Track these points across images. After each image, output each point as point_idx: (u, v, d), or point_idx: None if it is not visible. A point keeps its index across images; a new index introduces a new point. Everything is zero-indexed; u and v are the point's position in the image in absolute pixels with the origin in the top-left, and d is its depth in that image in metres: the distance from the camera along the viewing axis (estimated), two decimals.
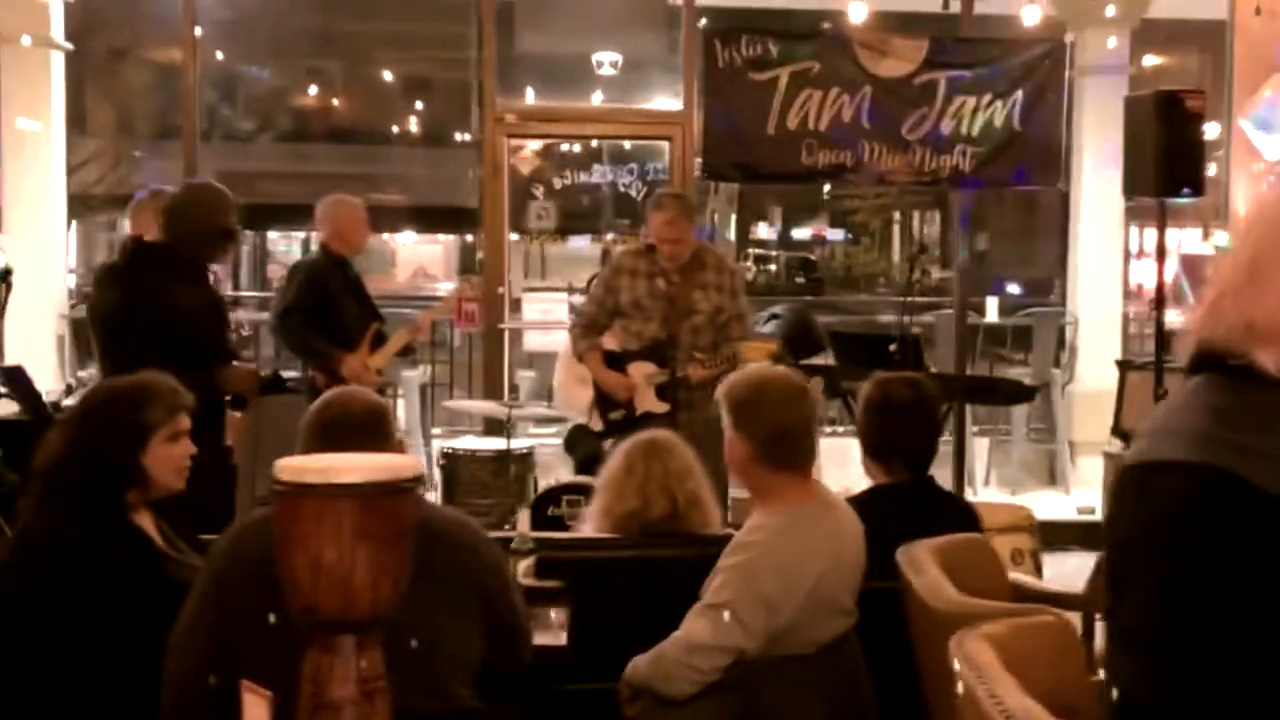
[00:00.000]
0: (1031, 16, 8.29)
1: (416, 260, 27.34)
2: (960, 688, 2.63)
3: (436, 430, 9.96)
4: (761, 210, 47.27)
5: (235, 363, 5.93)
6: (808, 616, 3.36)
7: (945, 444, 8.70)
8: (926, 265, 21.54)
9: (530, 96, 10.47)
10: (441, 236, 27.14)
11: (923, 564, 3.41)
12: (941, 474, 8.70)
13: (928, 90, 8.00)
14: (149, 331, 5.34)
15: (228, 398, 5.71)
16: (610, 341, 6.51)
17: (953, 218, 19.05)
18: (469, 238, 24.94)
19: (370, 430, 3.22)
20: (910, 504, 4.11)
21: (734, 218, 48.76)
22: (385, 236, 27.52)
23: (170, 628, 3.21)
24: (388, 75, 20.81)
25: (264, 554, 2.83)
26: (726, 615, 3.30)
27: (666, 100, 9.19)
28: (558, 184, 9.79)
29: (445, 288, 20.66)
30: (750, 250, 44.12)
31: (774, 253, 42.75)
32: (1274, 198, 1.94)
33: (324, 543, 2.40)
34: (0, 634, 3.37)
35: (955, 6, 8.67)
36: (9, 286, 6.15)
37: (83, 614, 3.30)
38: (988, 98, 8.01)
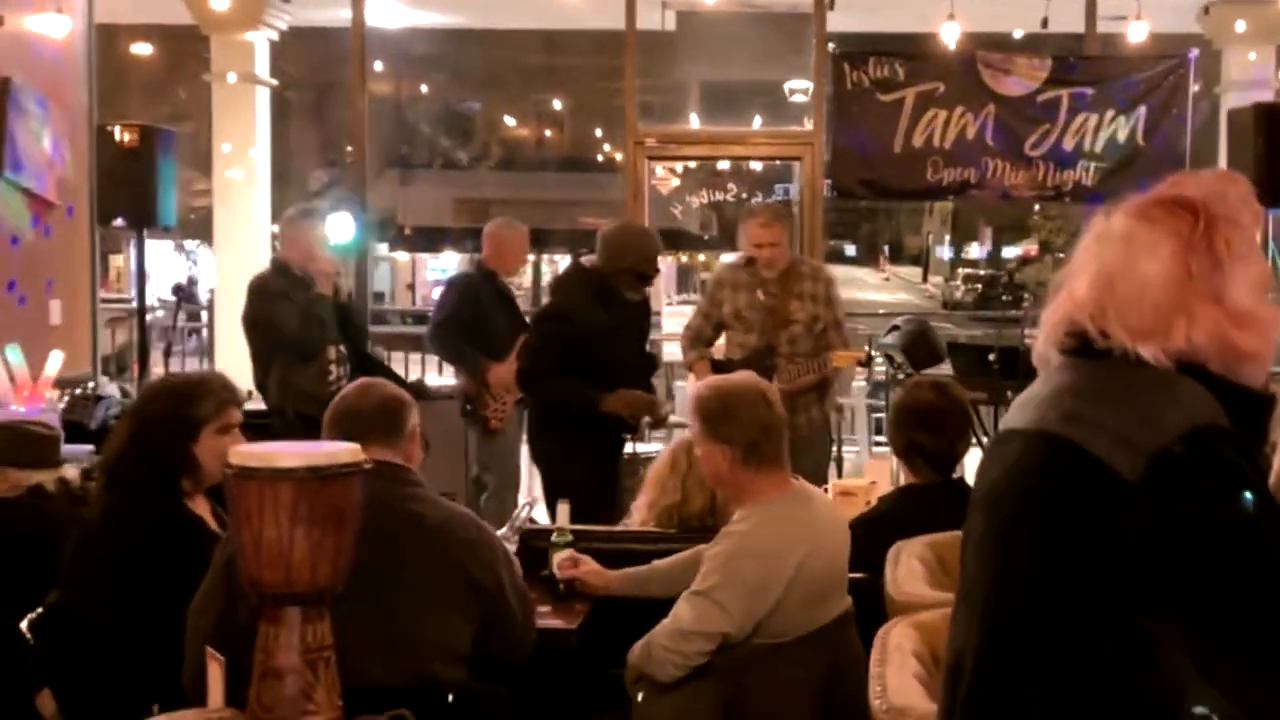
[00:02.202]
0: (1138, 33, 8.03)
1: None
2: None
3: None
4: (973, 231, 46.65)
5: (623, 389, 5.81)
6: (792, 603, 3.32)
7: None
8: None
9: (694, 121, 10.55)
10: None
11: (903, 557, 3.36)
12: None
13: (1050, 107, 7.84)
14: (567, 343, 5.64)
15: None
16: (717, 352, 6.52)
17: None
18: (684, 258, 25.12)
19: (381, 422, 3.31)
20: (936, 504, 4.01)
21: (948, 239, 48.16)
22: None
23: None
24: (587, 105, 21.14)
25: None
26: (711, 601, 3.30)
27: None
28: (695, 202, 9.83)
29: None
30: (961, 270, 43.59)
31: (982, 271, 42.16)
32: (1118, 222, 1.96)
33: (265, 522, 2.50)
34: (67, 615, 3.56)
35: (1063, 26, 8.42)
36: (180, 302, 6.43)
37: (142, 594, 3.45)
38: (1110, 114, 7.81)
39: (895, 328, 7.69)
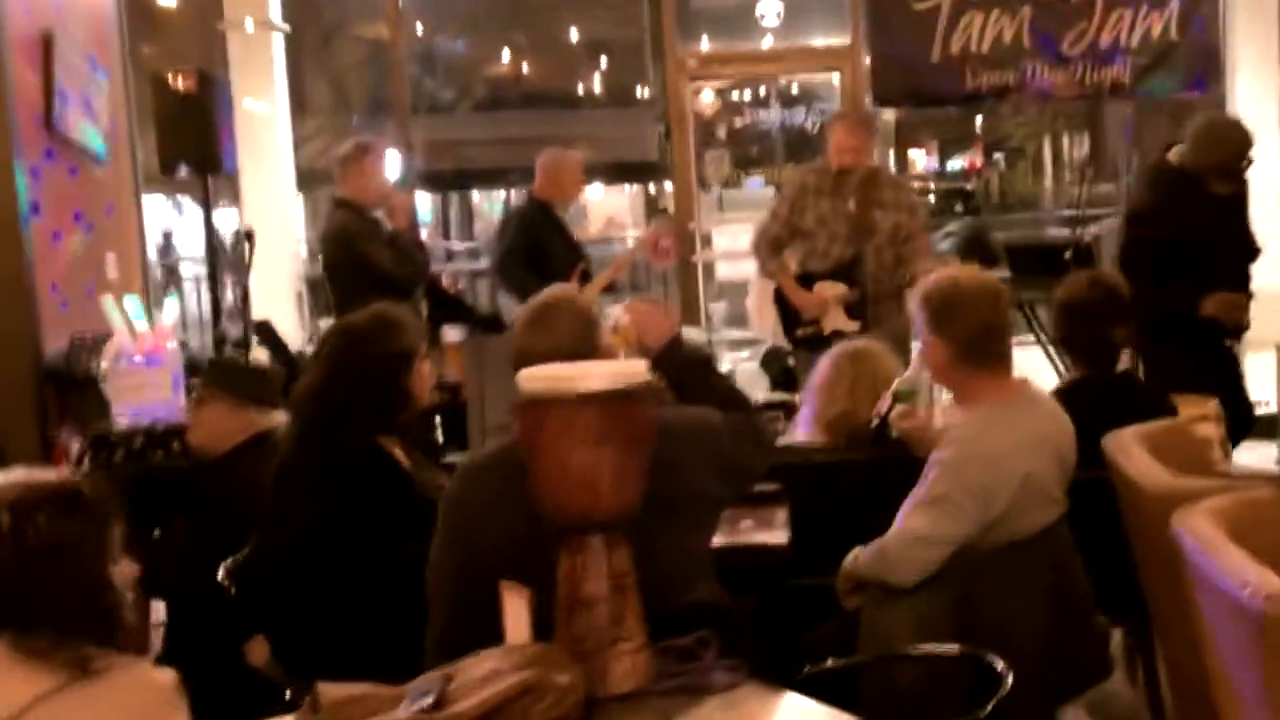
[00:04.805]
0: None
1: (606, 212, 27.41)
2: (1188, 562, 2.47)
3: None
4: (917, 145, 46.45)
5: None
6: (1021, 505, 3.19)
7: None
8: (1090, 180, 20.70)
9: (704, 45, 10.28)
10: (627, 188, 27.08)
11: (1131, 450, 3.22)
12: None
13: (1085, 6, 7.68)
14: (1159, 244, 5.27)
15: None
16: (791, 262, 6.28)
17: (1105, 137, 18.48)
18: (652, 188, 24.78)
19: (582, 341, 3.01)
20: (1100, 397, 3.90)
21: (892, 153, 48.08)
22: None
23: (422, 540, 3.19)
24: (570, 40, 20.65)
25: (494, 492, 2.76)
26: (945, 507, 3.16)
27: (830, 38, 8.92)
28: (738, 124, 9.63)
29: (633, 234, 20.60)
30: (912, 184, 43.42)
31: (931, 185, 41.97)
32: None
33: (571, 447, 2.33)
34: (270, 559, 3.39)
35: None
36: (252, 246, 6.16)
37: (345, 536, 3.29)
38: (1144, 9, 7.65)
39: (950, 233, 7.56)
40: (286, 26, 10.20)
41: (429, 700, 2.13)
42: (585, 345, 2.84)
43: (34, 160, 6.52)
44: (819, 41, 9.28)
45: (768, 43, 10.43)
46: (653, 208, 25.64)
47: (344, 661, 3.23)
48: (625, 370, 2.40)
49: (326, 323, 9.97)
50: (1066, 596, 3.29)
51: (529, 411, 2.36)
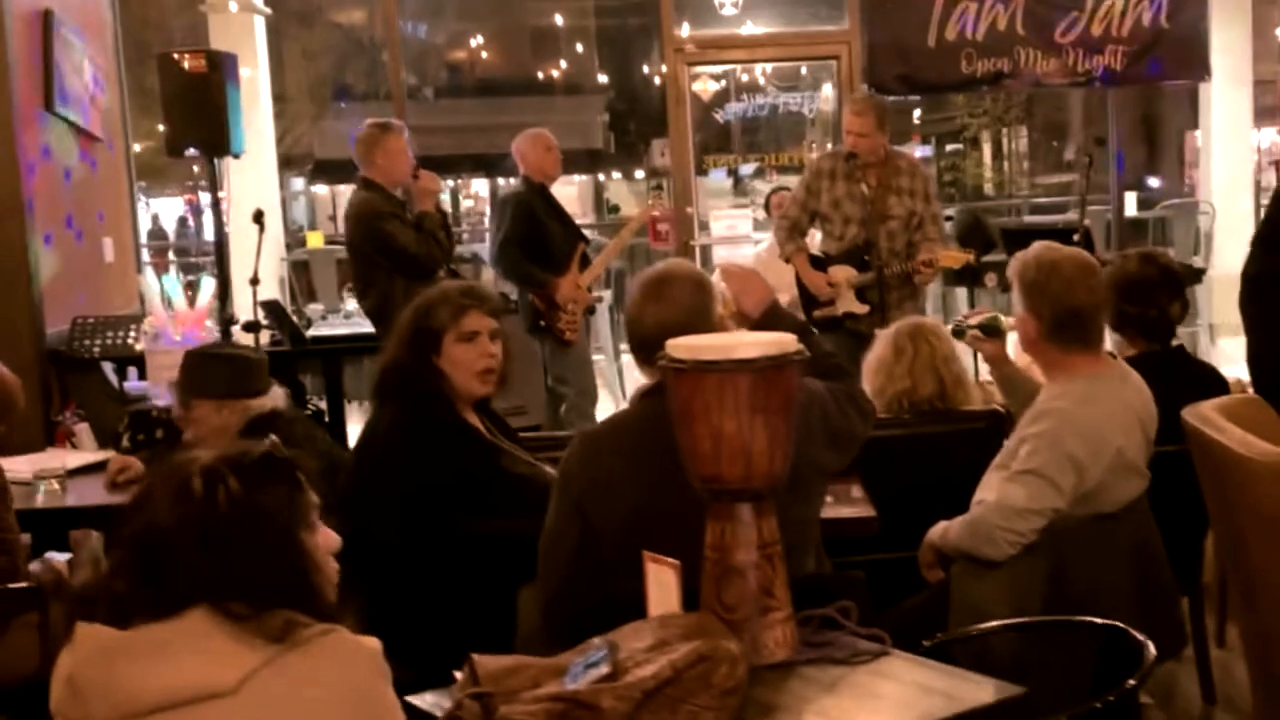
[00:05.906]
0: None
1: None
2: None
3: None
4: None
5: None
6: (1112, 477, 3.20)
7: None
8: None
9: (685, 30, 10.21)
10: (576, 177, 26.89)
11: (1219, 422, 3.23)
12: None
13: None
14: None
15: None
16: (811, 246, 6.31)
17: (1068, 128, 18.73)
18: (600, 177, 24.72)
19: (697, 307, 2.95)
20: (1159, 372, 3.89)
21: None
22: None
23: (508, 511, 3.16)
24: (523, 30, 20.55)
25: (616, 463, 2.74)
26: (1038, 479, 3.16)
27: (823, 25, 8.90)
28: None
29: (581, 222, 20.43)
30: None
31: None
32: None
33: (724, 415, 2.29)
34: (357, 530, 3.31)
35: None
36: (263, 227, 6.05)
37: (429, 507, 3.23)
38: None
39: (949, 218, 7.56)
40: (268, 10, 10.05)
41: (605, 670, 2.08)
42: (700, 316, 2.81)
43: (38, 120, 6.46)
44: (814, 28, 9.24)
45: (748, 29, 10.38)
46: (600, 197, 25.60)
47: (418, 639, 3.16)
48: (777, 340, 2.36)
49: (314, 307, 9.89)
50: (1149, 568, 3.30)
51: (682, 380, 2.31)
